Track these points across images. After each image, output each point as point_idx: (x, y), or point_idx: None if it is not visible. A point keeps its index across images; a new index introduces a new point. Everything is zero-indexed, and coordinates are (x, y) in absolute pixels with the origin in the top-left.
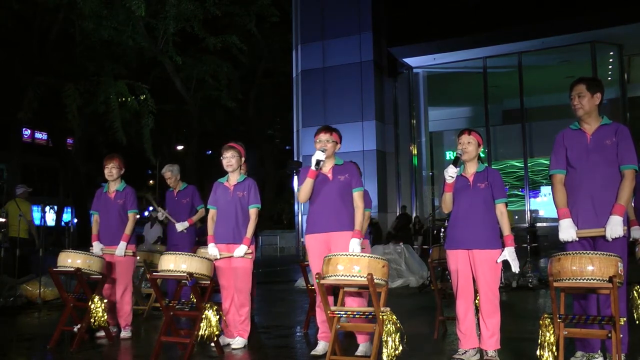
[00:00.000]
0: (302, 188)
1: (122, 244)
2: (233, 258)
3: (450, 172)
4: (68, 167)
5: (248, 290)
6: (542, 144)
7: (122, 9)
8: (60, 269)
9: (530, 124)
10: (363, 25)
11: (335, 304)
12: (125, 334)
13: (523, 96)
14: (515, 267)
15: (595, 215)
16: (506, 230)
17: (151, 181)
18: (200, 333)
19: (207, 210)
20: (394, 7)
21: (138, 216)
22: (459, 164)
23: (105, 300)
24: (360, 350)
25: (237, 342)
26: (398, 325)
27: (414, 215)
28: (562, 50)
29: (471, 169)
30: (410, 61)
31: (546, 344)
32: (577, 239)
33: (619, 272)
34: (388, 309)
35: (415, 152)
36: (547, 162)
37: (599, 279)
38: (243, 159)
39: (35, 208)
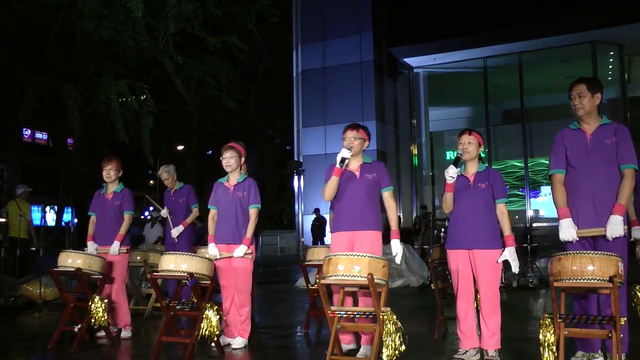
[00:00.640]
0: (327, 186)
1: (116, 243)
2: (233, 258)
3: (451, 172)
4: (68, 167)
5: (248, 290)
6: (542, 143)
7: (122, 8)
8: (60, 269)
9: (530, 124)
10: (363, 25)
11: (355, 305)
12: (125, 333)
13: (523, 96)
14: (515, 267)
15: (595, 215)
16: (507, 230)
17: (151, 181)
18: (200, 333)
19: (206, 211)
20: (394, 7)
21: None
22: (460, 164)
23: (106, 300)
24: (361, 353)
25: (238, 342)
26: (398, 325)
27: (414, 215)
28: (563, 50)
29: (472, 169)
30: (411, 61)
31: (547, 343)
32: (578, 239)
33: (620, 272)
34: (388, 309)
35: (416, 152)
36: (548, 162)
37: (600, 279)
38: (243, 158)
39: (35, 208)
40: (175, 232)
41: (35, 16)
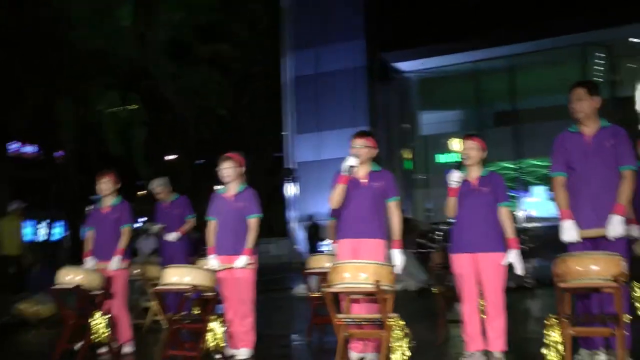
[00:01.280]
0: (333, 193)
1: (116, 258)
2: (235, 269)
3: (455, 177)
4: (60, 179)
5: (251, 300)
6: (533, 145)
7: (113, 18)
8: (60, 286)
9: (521, 126)
10: (355, 31)
11: None
12: (127, 349)
13: (514, 98)
14: (519, 270)
15: (596, 216)
16: (510, 233)
17: (140, 192)
18: (206, 345)
19: (203, 221)
20: (386, 13)
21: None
22: (463, 169)
23: (108, 316)
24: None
25: (242, 353)
26: (406, 331)
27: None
28: (553, 52)
29: (475, 173)
30: (402, 66)
31: (552, 343)
32: (580, 240)
33: (623, 271)
34: (396, 315)
35: (408, 156)
36: (539, 163)
37: (604, 279)
38: (243, 168)
39: (29, 223)
40: (174, 235)
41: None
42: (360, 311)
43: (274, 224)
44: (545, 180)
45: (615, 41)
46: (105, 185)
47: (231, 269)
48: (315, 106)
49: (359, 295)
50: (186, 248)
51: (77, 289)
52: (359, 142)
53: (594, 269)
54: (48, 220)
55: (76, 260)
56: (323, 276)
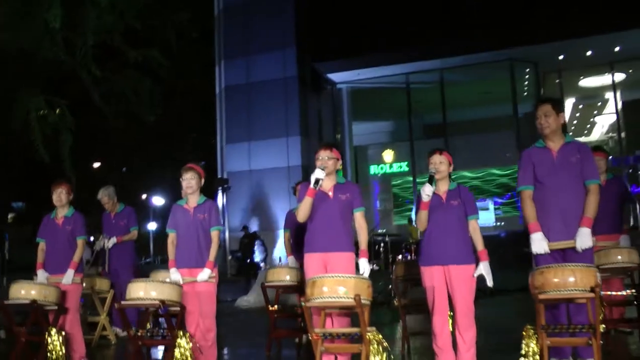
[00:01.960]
0: (301, 206)
1: (70, 272)
2: (196, 282)
3: (427, 191)
4: None
5: (213, 314)
6: (464, 157)
7: (39, 19)
8: (13, 301)
9: (452, 138)
10: (287, 40)
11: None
12: None
13: (445, 111)
14: (490, 281)
15: (565, 228)
16: (480, 245)
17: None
18: None
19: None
20: (318, 23)
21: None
22: (434, 183)
23: (64, 333)
24: None
25: None
26: (384, 344)
27: None
28: (481, 66)
29: (443, 187)
30: (334, 77)
31: (530, 354)
32: (549, 252)
33: (598, 281)
34: (374, 328)
35: (340, 167)
36: (469, 174)
37: (581, 290)
38: (202, 180)
39: None
40: (110, 242)
41: None
42: (332, 325)
43: None
44: (476, 191)
45: (541, 57)
46: (60, 196)
47: (193, 282)
48: (246, 116)
49: (336, 309)
50: (131, 259)
51: (33, 304)
52: (324, 154)
53: (571, 281)
54: None
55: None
56: (281, 289)
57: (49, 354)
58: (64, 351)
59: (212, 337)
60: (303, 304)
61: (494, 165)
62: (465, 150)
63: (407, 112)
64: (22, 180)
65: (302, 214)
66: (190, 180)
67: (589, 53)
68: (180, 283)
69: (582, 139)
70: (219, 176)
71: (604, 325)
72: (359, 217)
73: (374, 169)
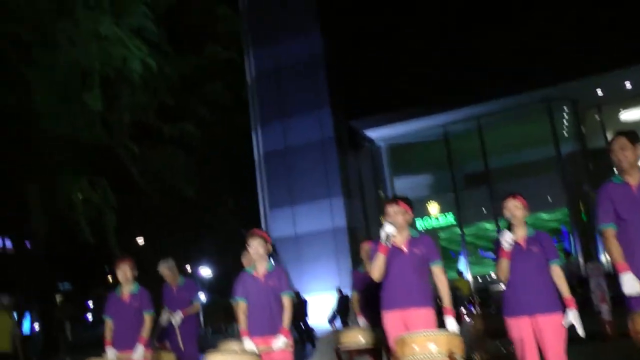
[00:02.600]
0: (374, 264)
1: (140, 347)
2: (272, 351)
3: (508, 239)
4: (30, 269)
5: None
6: None
7: (78, 104)
8: None
9: (495, 185)
10: (321, 101)
11: None
12: None
13: (486, 158)
14: (580, 330)
15: None
16: (565, 292)
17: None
18: None
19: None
20: (351, 80)
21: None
22: (512, 230)
23: None
24: None
25: None
26: None
27: None
28: (519, 109)
29: (521, 233)
30: (371, 133)
31: None
32: None
33: None
34: None
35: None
36: None
37: None
38: (269, 246)
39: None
40: (178, 317)
41: None
42: None
43: None
44: None
45: (578, 93)
46: (125, 272)
47: (269, 351)
48: (286, 180)
49: None
50: (196, 332)
51: None
52: (392, 209)
53: None
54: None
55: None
56: (356, 352)
57: None
58: None
59: None
60: None
61: (541, 210)
62: None
63: (448, 163)
64: (67, 261)
65: (376, 272)
66: (257, 247)
67: (627, 85)
68: (256, 352)
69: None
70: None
71: None
72: (437, 271)
73: (419, 224)
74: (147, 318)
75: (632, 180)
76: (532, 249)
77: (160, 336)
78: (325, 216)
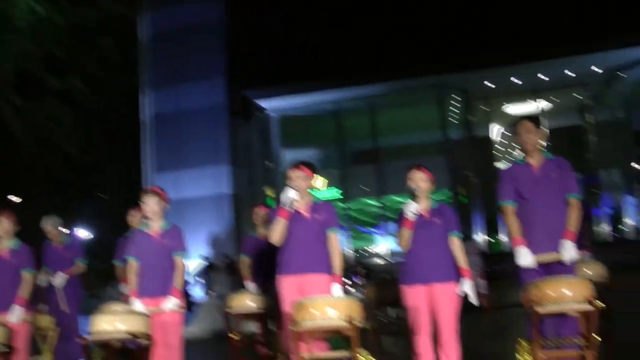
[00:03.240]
0: (274, 228)
1: (17, 309)
2: (162, 312)
3: (412, 209)
4: None
5: (180, 346)
6: (395, 182)
7: None
8: None
9: (382, 164)
10: (215, 68)
11: None
12: None
13: (375, 137)
14: (474, 299)
15: (549, 242)
16: (463, 263)
17: None
18: None
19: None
20: (247, 51)
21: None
22: (416, 202)
23: None
24: None
25: None
26: None
27: None
28: (411, 93)
29: (425, 205)
30: (264, 103)
31: None
32: (535, 265)
33: (594, 294)
34: (365, 351)
35: (272, 194)
36: (402, 200)
37: (579, 302)
38: (165, 204)
39: None
40: (60, 279)
41: None
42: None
43: None
44: None
45: (469, 85)
46: (4, 226)
47: (158, 312)
48: (175, 144)
49: (326, 333)
50: (79, 295)
51: None
52: (294, 174)
53: (567, 294)
54: None
55: None
56: (244, 316)
57: None
58: None
59: None
60: (291, 328)
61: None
62: (396, 176)
63: (337, 139)
64: None
65: (276, 236)
66: (153, 205)
67: (515, 81)
68: (146, 314)
69: (506, 165)
70: None
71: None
72: (333, 238)
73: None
74: (27, 277)
75: (534, 161)
76: (434, 221)
77: (38, 298)
78: (210, 183)
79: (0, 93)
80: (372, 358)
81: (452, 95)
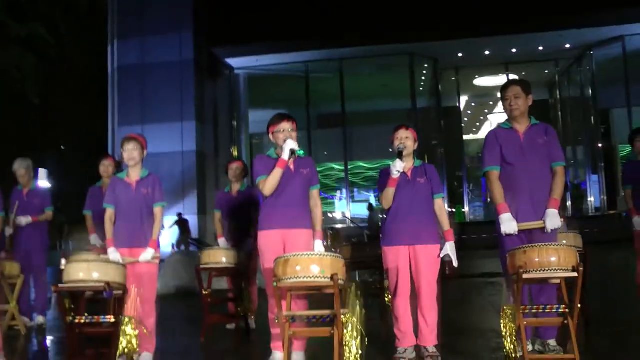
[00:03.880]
0: (270, 179)
1: None
2: (137, 263)
3: (398, 167)
4: None
5: (154, 298)
6: (361, 148)
7: None
8: None
9: (349, 129)
10: (184, 23)
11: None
12: None
13: (343, 101)
14: (455, 262)
15: (533, 210)
16: (446, 225)
17: None
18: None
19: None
20: (217, 7)
21: None
22: (403, 159)
23: None
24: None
25: (144, 357)
26: (359, 327)
27: None
28: (381, 59)
29: (409, 164)
30: (232, 62)
31: (509, 334)
32: (518, 232)
33: (579, 261)
34: (347, 310)
35: (236, 154)
36: (366, 165)
37: (564, 269)
38: (145, 152)
39: None
40: (24, 220)
41: None
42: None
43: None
44: (372, 182)
45: (440, 54)
46: None
47: (134, 263)
48: (140, 98)
49: (310, 290)
50: (46, 243)
51: None
52: (287, 126)
53: (553, 260)
54: None
55: None
56: (215, 272)
57: None
58: None
59: (152, 323)
60: (275, 284)
61: (389, 158)
62: (363, 142)
63: (305, 101)
64: None
65: (269, 187)
66: (132, 152)
67: (486, 53)
68: (122, 263)
69: (472, 137)
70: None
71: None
72: (316, 195)
73: None
74: None
75: (520, 127)
76: (418, 180)
77: (5, 245)
78: (175, 139)
79: None
80: (354, 318)
81: (423, 64)
